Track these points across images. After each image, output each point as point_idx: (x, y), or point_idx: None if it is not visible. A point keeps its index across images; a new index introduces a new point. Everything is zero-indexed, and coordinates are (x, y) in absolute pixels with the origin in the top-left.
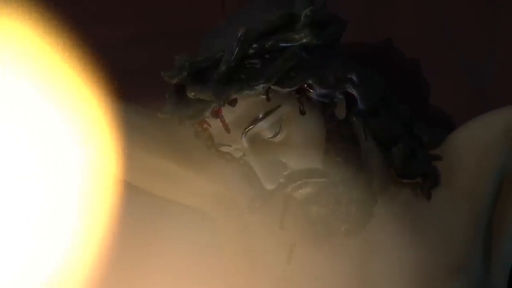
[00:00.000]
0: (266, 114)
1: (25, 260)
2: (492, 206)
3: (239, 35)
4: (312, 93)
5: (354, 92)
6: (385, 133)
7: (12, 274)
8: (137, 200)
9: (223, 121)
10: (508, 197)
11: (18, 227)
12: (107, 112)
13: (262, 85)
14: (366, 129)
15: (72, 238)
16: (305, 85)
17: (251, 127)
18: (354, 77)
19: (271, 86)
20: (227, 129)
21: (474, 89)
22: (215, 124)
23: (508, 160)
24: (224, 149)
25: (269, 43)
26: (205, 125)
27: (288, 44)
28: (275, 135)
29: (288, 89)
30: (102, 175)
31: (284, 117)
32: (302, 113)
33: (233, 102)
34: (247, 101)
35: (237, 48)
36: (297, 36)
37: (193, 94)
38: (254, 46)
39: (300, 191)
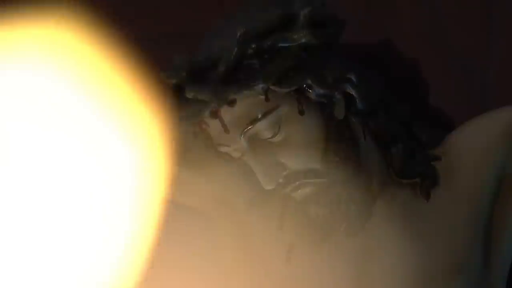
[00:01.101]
0: (265, 114)
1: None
2: (491, 206)
3: (238, 35)
4: (311, 93)
5: (353, 92)
6: (384, 133)
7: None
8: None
9: (222, 121)
10: (506, 197)
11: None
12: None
13: (261, 85)
14: (365, 129)
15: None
16: (304, 85)
17: (250, 127)
18: (353, 77)
19: (270, 86)
20: (226, 129)
21: (474, 89)
22: (214, 125)
23: (507, 160)
24: (223, 149)
25: (268, 43)
26: (204, 126)
27: (287, 44)
28: (274, 135)
29: (287, 89)
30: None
31: (283, 117)
32: (301, 113)
33: (232, 103)
34: (246, 101)
35: (236, 48)
36: (296, 36)
37: (192, 94)
38: (253, 46)
39: (299, 191)
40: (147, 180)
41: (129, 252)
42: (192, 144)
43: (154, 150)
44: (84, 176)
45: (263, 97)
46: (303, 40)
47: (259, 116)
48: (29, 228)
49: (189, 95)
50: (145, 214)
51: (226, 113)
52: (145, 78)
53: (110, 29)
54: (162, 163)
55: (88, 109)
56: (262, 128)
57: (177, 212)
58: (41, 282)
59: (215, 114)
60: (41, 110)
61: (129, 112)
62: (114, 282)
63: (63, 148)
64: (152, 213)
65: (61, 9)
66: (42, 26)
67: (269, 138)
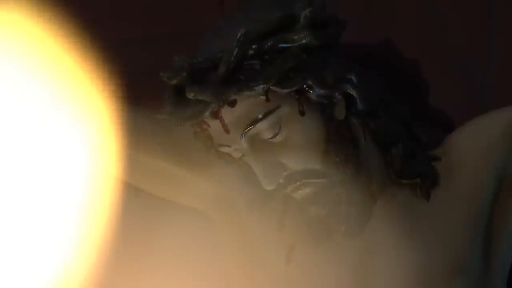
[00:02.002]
0: (265, 115)
1: (26, 260)
2: (491, 207)
3: (239, 36)
4: (312, 94)
5: (353, 92)
6: (384, 133)
7: (14, 274)
8: (137, 201)
9: (222, 121)
10: (507, 197)
11: (18, 227)
12: (111, 113)
13: (261, 86)
14: (365, 130)
15: (74, 237)
16: (305, 86)
17: (250, 127)
18: (353, 78)
19: (271, 87)
20: (227, 130)
21: (474, 89)
22: (214, 125)
23: (507, 160)
24: (223, 149)
25: (269, 44)
26: (205, 126)
27: (288, 45)
28: (274, 136)
29: (287, 90)
30: (103, 176)
31: (283, 117)
32: (302, 113)
33: (232, 103)
34: (247, 102)
35: (236, 49)
36: (296, 37)
37: (192, 95)
38: (254, 47)
39: (299, 191)
40: (99, 162)
41: (80, 246)
42: (193, 145)
43: (105, 132)
44: (34, 161)
45: (263, 97)
46: (304, 41)
47: (260, 116)
48: None
49: (190, 95)
50: (99, 195)
51: (227, 113)
52: (97, 65)
53: (63, 14)
54: (114, 144)
55: (40, 93)
56: (263, 128)
57: (177, 212)
58: None
59: (215, 115)
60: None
61: (80, 96)
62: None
63: (14, 132)
64: (107, 194)
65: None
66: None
67: (270, 138)
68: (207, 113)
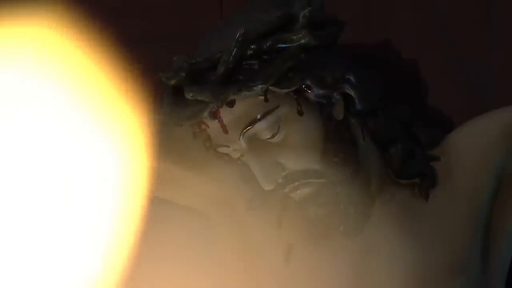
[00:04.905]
0: (264, 115)
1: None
2: (490, 206)
3: (237, 36)
4: (310, 94)
5: (352, 92)
6: (383, 133)
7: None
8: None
9: (221, 122)
10: (506, 197)
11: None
12: (140, 119)
13: (260, 86)
14: (364, 130)
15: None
16: (303, 86)
17: (249, 127)
18: (352, 78)
19: (269, 87)
20: (225, 130)
21: (473, 89)
22: (213, 125)
23: (506, 160)
24: (222, 150)
25: (267, 44)
26: (203, 126)
27: (286, 45)
28: (273, 136)
29: (286, 90)
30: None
31: (282, 117)
32: (300, 113)
33: (231, 103)
34: (245, 102)
35: (235, 49)
36: (295, 37)
37: (191, 95)
38: (252, 47)
39: (298, 191)
40: (129, 177)
41: (112, 249)
42: (192, 145)
43: (136, 147)
44: (68, 174)
45: (262, 97)
46: (302, 41)
47: (259, 116)
48: (11, 226)
49: (188, 95)
50: (128, 210)
51: (226, 113)
52: (127, 76)
53: (95, 27)
54: (144, 159)
55: (72, 107)
56: (262, 128)
57: (177, 212)
58: (25, 281)
59: (214, 115)
60: (23, 108)
61: (111, 110)
62: (98, 280)
63: (47, 146)
64: (136, 209)
65: (49, 8)
66: (29, 25)
67: (268, 138)
68: (206, 113)
